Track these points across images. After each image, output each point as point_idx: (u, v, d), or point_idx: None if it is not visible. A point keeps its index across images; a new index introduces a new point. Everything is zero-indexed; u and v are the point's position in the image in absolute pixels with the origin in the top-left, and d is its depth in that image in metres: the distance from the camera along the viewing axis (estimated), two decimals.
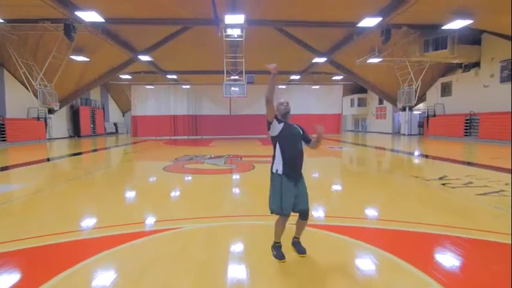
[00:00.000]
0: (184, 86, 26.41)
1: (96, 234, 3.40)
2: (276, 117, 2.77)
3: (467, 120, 17.17)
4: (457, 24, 12.72)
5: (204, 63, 22.35)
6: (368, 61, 17.60)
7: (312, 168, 8.11)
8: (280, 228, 2.76)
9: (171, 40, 17.22)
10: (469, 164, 9.05)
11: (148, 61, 19.85)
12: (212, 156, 11.17)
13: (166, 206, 4.67)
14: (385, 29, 13.82)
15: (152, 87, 26.03)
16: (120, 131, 32.82)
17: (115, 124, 32.61)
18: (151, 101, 25.90)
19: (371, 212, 4.33)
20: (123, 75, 23.78)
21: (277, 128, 2.75)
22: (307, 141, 2.85)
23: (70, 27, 13.27)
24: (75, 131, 24.22)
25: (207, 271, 2.52)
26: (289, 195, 2.67)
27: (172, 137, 25.21)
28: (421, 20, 13.85)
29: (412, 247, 3.00)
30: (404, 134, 22.56)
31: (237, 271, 2.53)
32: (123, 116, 35.60)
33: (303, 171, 2.80)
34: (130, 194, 5.75)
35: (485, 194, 4.98)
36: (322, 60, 19.50)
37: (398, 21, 13.78)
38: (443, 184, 5.74)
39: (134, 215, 4.14)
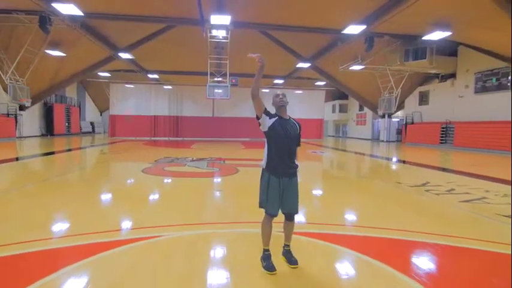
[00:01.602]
0: (166, 87, 25.83)
1: (66, 243, 3.09)
2: (266, 112, 2.62)
3: (443, 128, 17.80)
4: (437, 35, 13.15)
5: (187, 63, 21.94)
6: (350, 68, 17.91)
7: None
8: (266, 230, 2.61)
9: (154, 38, 16.77)
10: (448, 170, 9.29)
11: (129, 59, 19.23)
12: (194, 158, 10.87)
13: (144, 212, 4.35)
14: (368, 37, 14.11)
15: (132, 86, 25.29)
16: (97, 131, 31.65)
17: (92, 123, 31.41)
18: (131, 100, 25.14)
19: (360, 220, 4.24)
20: (102, 72, 22.93)
21: (267, 123, 2.61)
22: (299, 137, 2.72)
23: (46, 20, 12.59)
24: (49, 130, 23.04)
25: (188, 285, 2.32)
26: (275, 194, 2.54)
27: (152, 138, 24.54)
28: (403, 30, 14.25)
29: (408, 256, 2.92)
30: (383, 141, 23.09)
31: (222, 286, 2.33)
32: (101, 115, 34.37)
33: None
34: (105, 199, 5.37)
35: (467, 201, 5.04)
36: (306, 65, 19.66)
37: (381, 30, 14.12)
38: (427, 191, 5.79)
39: (109, 222, 3.82)
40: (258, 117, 2.64)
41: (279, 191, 2.57)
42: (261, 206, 2.64)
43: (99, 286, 2.28)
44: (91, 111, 32.21)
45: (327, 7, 12.26)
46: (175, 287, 2.29)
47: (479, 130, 15.30)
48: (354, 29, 12.77)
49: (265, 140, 2.67)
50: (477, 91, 16.32)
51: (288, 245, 2.74)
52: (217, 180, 7.21)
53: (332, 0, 11.70)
